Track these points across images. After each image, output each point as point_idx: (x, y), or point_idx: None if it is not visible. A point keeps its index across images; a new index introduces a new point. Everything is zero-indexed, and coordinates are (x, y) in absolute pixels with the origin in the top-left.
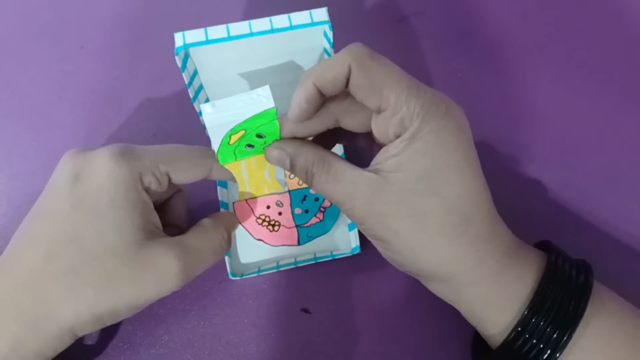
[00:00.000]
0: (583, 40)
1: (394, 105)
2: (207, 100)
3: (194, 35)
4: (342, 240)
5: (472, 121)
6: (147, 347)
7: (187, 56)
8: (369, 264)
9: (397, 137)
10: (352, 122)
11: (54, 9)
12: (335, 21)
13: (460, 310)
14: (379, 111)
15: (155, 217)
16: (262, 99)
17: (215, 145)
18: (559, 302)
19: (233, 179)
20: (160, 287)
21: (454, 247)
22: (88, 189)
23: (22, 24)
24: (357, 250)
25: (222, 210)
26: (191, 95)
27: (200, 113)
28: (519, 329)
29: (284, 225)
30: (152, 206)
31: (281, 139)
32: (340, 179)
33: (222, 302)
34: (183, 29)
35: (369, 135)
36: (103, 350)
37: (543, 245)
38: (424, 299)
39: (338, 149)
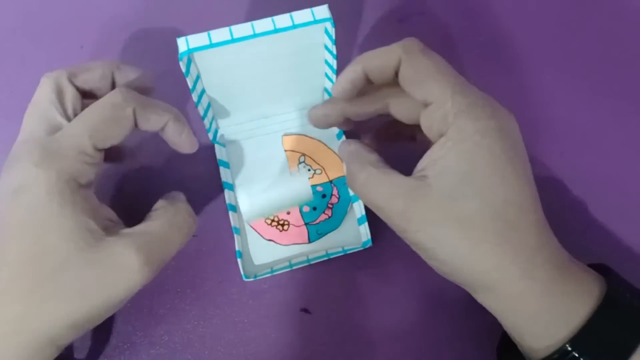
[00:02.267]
0: (583, 40)
1: (438, 99)
2: (209, 105)
3: (197, 39)
4: (353, 235)
5: None
6: (147, 347)
7: (190, 61)
8: (369, 263)
9: (441, 135)
10: (401, 110)
11: (54, 9)
12: (335, 21)
13: (504, 323)
14: (425, 104)
15: (105, 210)
16: (302, 194)
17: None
18: (615, 331)
19: (158, 127)
20: (127, 283)
21: (498, 255)
22: (24, 205)
23: (22, 24)
24: (369, 244)
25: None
26: (195, 99)
27: (203, 117)
28: (568, 348)
29: (293, 224)
30: (96, 201)
31: (332, 122)
32: (381, 182)
33: (222, 302)
34: (183, 28)
35: (422, 135)
36: (103, 351)
37: (598, 268)
38: (425, 299)
39: None
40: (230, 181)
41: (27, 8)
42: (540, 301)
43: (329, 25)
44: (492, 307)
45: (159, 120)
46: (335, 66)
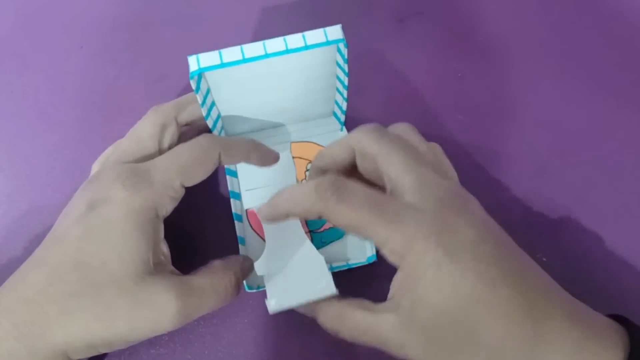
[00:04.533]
0: (583, 41)
1: (377, 242)
2: (218, 117)
3: (208, 58)
4: (357, 245)
5: (471, 121)
6: (147, 347)
7: (200, 77)
8: (370, 264)
9: (397, 264)
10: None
11: (54, 9)
12: (335, 21)
13: None
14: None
15: (164, 247)
16: (326, 291)
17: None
18: None
19: (242, 161)
20: (155, 324)
21: None
22: (99, 219)
23: (22, 24)
24: (374, 259)
25: (237, 256)
26: (204, 113)
27: (212, 129)
28: None
29: None
30: (162, 235)
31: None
32: (365, 332)
33: None
34: (183, 29)
35: None
36: None
37: (616, 318)
38: None
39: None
40: (237, 190)
41: (27, 8)
42: None
43: (341, 46)
44: None
45: (242, 157)
46: (346, 82)
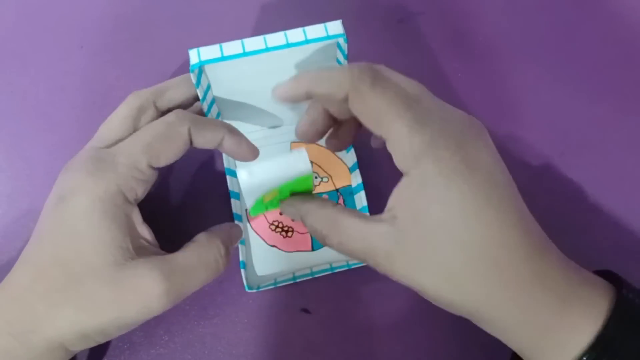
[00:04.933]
0: (583, 40)
1: (395, 139)
2: (218, 115)
3: (208, 51)
4: None
5: None
6: (147, 347)
7: (201, 72)
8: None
9: (406, 171)
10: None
11: (54, 9)
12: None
13: (509, 345)
14: (383, 139)
15: (145, 231)
16: (299, 164)
17: (248, 204)
18: (629, 341)
19: (215, 143)
20: (144, 308)
21: (486, 294)
22: (68, 211)
23: (22, 24)
24: None
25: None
26: (205, 109)
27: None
28: None
29: (297, 231)
30: (138, 219)
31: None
32: (355, 238)
33: (222, 302)
34: (183, 29)
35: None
36: (103, 350)
37: (604, 275)
38: (426, 299)
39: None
40: (237, 190)
41: (27, 8)
42: (544, 332)
43: (341, 41)
44: (495, 334)
45: (215, 137)
46: None
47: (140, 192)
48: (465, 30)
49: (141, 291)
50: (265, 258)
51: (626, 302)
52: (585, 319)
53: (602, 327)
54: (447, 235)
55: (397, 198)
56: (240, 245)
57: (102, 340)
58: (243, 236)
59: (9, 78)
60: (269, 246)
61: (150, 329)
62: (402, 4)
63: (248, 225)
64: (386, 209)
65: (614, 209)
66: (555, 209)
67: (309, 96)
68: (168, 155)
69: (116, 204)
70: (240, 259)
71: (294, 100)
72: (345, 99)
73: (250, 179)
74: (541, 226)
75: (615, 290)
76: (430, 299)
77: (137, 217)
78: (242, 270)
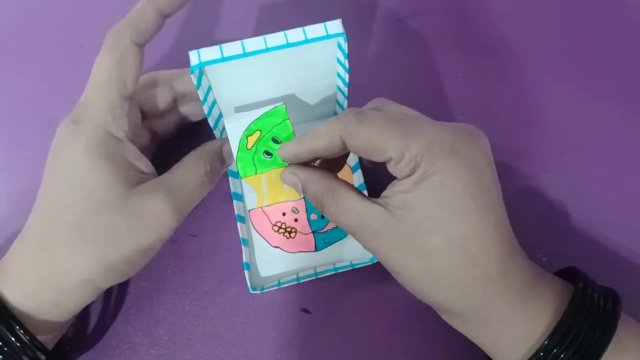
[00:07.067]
0: (583, 40)
1: (395, 156)
2: (220, 116)
3: (209, 52)
4: (361, 248)
5: (471, 121)
6: (147, 347)
7: (201, 73)
8: (370, 265)
9: (409, 176)
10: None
11: (54, 9)
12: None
13: (473, 341)
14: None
15: (141, 162)
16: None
17: (234, 149)
18: (582, 336)
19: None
20: (158, 227)
21: (459, 287)
22: (65, 161)
23: (22, 24)
24: (376, 260)
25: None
26: (205, 111)
27: (214, 128)
28: None
29: (300, 232)
30: (135, 153)
31: (289, 164)
32: (349, 211)
33: (222, 302)
34: (183, 29)
35: None
36: (103, 350)
37: (568, 272)
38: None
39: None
40: (239, 191)
41: (27, 8)
42: (503, 326)
43: (341, 40)
44: (459, 329)
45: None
46: (347, 79)
47: (125, 126)
48: (466, 30)
49: (152, 212)
50: (269, 259)
51: (582, 295)
52: (543, 312)
53: (559, 319)
54: (433, 226)
55: (394, 188)
56: (243, 247)
57: (129, 271)
58: (246, 237)
59: (9, 78)
60: (272, 247)
61: (150, 329)
62: (402, 4)
63: (251, 226)
64: (382, 194)
65: (614, 208)
66: (555, 209)
67: (312, 154)
68: (130, 75)
69: (107, 143)
70: (244, 260)
71: (298, 160)
72: (343, 146)
73: (233, 121)
74: (541, 226)
75: (575, 286)
76: (404, 283)
77: (133, 151)
78: (246, 272)
